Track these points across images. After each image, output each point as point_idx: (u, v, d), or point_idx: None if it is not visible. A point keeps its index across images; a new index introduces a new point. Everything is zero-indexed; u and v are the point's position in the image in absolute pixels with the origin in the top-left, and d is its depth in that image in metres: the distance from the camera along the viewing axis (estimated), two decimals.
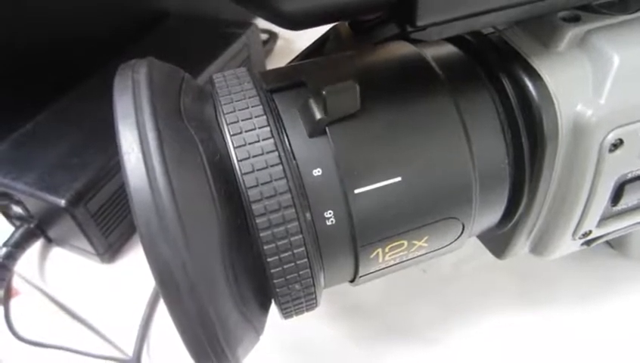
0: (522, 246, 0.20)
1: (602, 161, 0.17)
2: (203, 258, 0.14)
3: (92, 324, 0.29)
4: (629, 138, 0.17)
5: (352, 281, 0.19)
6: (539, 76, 0.17)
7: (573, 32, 0.17)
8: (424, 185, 0.17)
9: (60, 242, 0.32)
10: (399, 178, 0.16)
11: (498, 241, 0.21)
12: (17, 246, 0.30)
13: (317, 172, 0.16)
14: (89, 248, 0.30)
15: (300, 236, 0.15)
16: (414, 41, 0.19)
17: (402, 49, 0.19)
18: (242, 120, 0.16)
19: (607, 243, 0.29)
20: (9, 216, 0.32)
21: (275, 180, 0.15)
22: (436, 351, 0.26)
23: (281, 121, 0.16)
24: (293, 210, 0.15)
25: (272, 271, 0.16)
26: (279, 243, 0.15)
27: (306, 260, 0.16)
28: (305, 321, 0.28)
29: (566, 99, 0.16)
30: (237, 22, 0.42)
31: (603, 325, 0.26)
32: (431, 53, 0.19)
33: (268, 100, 0.17)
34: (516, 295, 0.28)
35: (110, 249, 0.31)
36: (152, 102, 0.15)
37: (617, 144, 0.17)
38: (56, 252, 0.33)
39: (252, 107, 0.16)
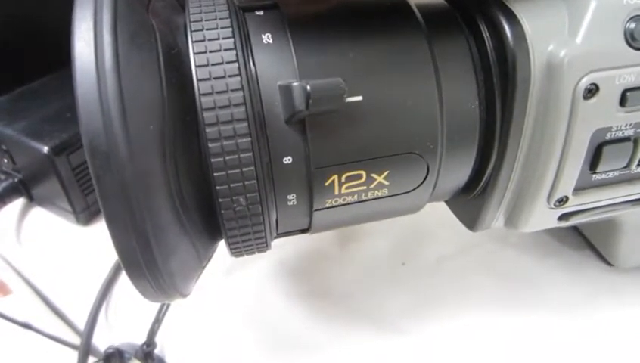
0: (494, 213, 0.19)
1: (576, 108, 0.16)
2: (139, 137, 0.13)
3: (51, 300, 0.28)
4: (605, 85, 0.16)
5: (308, 229, 0.18)
6: (515, 17, 0.16)
7: None
8: (385, 110, 0.16)
9: (41, 200, 0.32)
10: (359, 97, 0.16)
11: (469, 209, 0.20)
12: None
13: (276, 77, 0.15)
14: (67, 206, 0.30)
15: (249, 138, 0.15)
16: None
17: None
18: (206, 20, 0.15)
19: (600, 256, 0.27)
20: None
21: (229, 76, 0.15)
22: (403, 340, 0.24)
23: (246, 30, 0.16)
24: (244, 109, 0.15)
25: (216, 174, 0.15)
26: (225, 143, 0.15)
27: (252, 168, 0.15)
28: (273, 300, 0.27)
29: (541, 40, 0.16)
30: None
31: (585, 335, 0.24)
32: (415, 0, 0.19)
33: (237, 12, 0.17)
34: (497, 297, 0.26)
35: (87, 210, 0.30)
36: None
37: (592, 90, 0.16)
38: (35, 214, 0.33)
39: (218, 11, 0.16)
